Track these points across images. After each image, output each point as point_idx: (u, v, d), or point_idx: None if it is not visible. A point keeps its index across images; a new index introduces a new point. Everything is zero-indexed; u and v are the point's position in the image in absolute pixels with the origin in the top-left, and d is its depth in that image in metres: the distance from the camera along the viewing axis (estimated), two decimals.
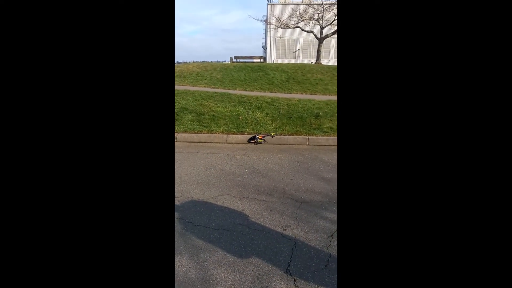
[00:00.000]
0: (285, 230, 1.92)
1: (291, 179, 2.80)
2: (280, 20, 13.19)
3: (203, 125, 4.65)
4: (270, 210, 2.19)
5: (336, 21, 11.86)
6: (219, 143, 4.18)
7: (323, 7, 12.07)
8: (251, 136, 4.11)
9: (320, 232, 1.88)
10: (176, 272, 1.51)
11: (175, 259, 1.61)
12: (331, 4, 11.88)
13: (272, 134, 4.13)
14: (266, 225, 1.97)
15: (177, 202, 2.30)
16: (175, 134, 4.27)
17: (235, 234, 1.86)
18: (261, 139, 3.92)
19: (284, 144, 4.17)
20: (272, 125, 4.72)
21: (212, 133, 4.35)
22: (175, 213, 2.12)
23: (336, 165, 3.25)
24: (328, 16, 12.04)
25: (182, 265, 1.57)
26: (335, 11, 11.66)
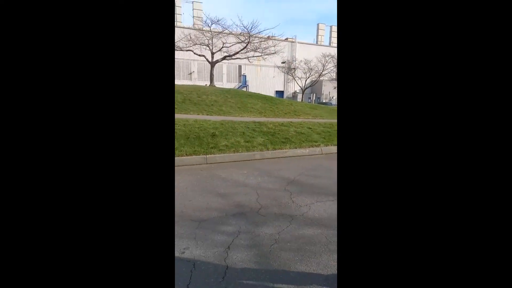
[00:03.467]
0: (183, 252, 1.90)
1: (190, 200, 2.80)
2: None
3: None
4: None
5: (230, 46, 12.87)
6: None
7: (211, 34, 12.92)
8: None
9: (218, 247, 1.97)
10: None
11: None
12: (219, 32, 12.89)
13: None
14: None
15: None
16: None
17: None
18: None
19: (182, 165, 4.11)
20: None
21: None
22: None
23: (231, 179, 3.49)
24: (216, 42, 12.96)
25: None
26: (223, 39, 12.70)
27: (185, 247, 1.97)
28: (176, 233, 2.16)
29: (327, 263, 1.76)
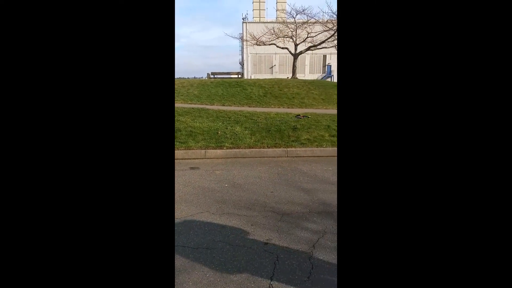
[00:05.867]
0: (267, 244, 1.89)
1: (272, 192, 2.79)
2: (255, 38, 13.64)
3: (179, 142, 4.56)
4: (251, 225, 2.15)
5: (315, 35, 12.45)
6: (197, 159, 4.10)
7: (296, 25, 12.67)
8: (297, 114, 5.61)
9: (302, 243, 1.87)
10: None
11: None
12: (304, 23, 12.52)
13: (309, 115, 5.37)
14: (248, 240, 1.93)
15: None
16: None
17: (215, 252, 1.79)
18: (302, 116, 5.17)
19: (264, 157, 4.19)
20: (251, 139, 4.74)
21: (189, 149, 4.27)
22: None
23: (314, 175, 3.30)
24: (301, 33, 12.63)
25: None
26: (307, 29, 12.27)
27: (268, 238, 1.95)
28: (258, 222, 2.17)
29: None
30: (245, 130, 5.19)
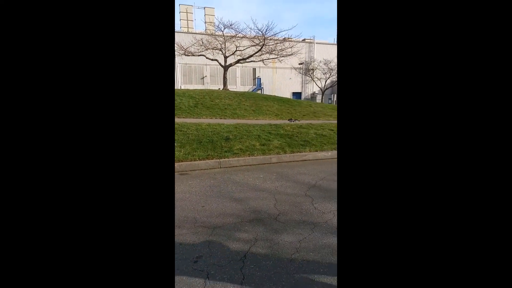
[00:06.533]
0: (196, 261, 1.77)
1: (203, 206, 2.68)
2: (183, 48, 13.33)
3: None
4: (180, 244, 1.99)
5: (244, 49, 12.88)
6: None
7: (224, 39, 12.98)
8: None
9: (234, 255, 1.83)
10: None
11: None
12: (232, 36, 12.92)
13: (298, 120, 5.72)
14: (177, 261, 1.77)
15: None
16: None
17: None
18: (293, 120, 5.33)
19: (196, 169, 4.03)
20: (181, 152, 4.51)
21: None
22: None
23: (246, 184, 3.34)
24: (230, 46, 12.98)
25: None
26: (236, 43, 12.71)
27: (198, 255, 1.84)
28: (188, 241, 2.04)
29: None
30: (174, 142, 4.91)
